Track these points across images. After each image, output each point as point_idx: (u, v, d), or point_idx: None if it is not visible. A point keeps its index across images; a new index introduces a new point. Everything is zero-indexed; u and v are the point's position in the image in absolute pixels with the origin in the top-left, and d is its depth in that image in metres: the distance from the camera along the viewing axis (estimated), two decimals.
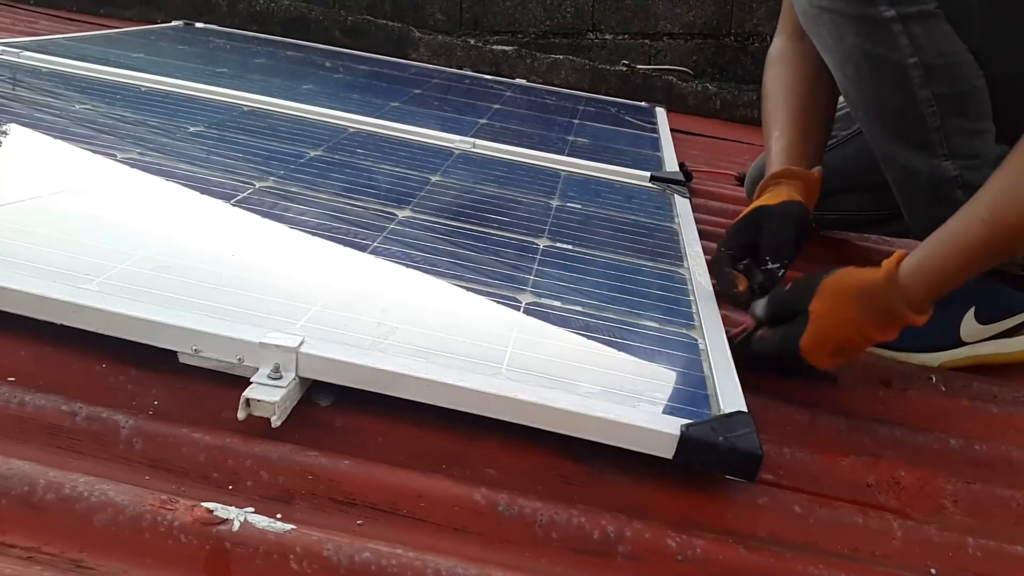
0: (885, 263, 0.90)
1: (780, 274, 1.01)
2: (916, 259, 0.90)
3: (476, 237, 1.14)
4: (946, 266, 0.89)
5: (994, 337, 1.13)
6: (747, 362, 0.92)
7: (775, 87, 1.20)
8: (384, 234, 1.08)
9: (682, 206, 1.48)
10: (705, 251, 1.26)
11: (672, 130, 2.22)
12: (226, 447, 0.69)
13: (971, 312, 1.12)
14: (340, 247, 1.03)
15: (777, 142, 1.14)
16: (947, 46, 0.95)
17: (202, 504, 0.61)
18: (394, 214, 1.17)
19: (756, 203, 1.07)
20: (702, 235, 1.35)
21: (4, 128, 1.24)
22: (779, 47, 1.24)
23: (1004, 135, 0.97)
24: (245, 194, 1.13)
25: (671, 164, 1.78)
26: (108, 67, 1.73)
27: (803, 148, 1.13)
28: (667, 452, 0.72)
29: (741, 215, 1.07)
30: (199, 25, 2.67)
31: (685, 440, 0.71)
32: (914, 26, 0.95)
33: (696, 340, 0.93)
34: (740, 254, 1.04)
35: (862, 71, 1.02)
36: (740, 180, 1.82)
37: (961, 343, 1.13)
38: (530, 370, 0.80)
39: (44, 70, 1.65)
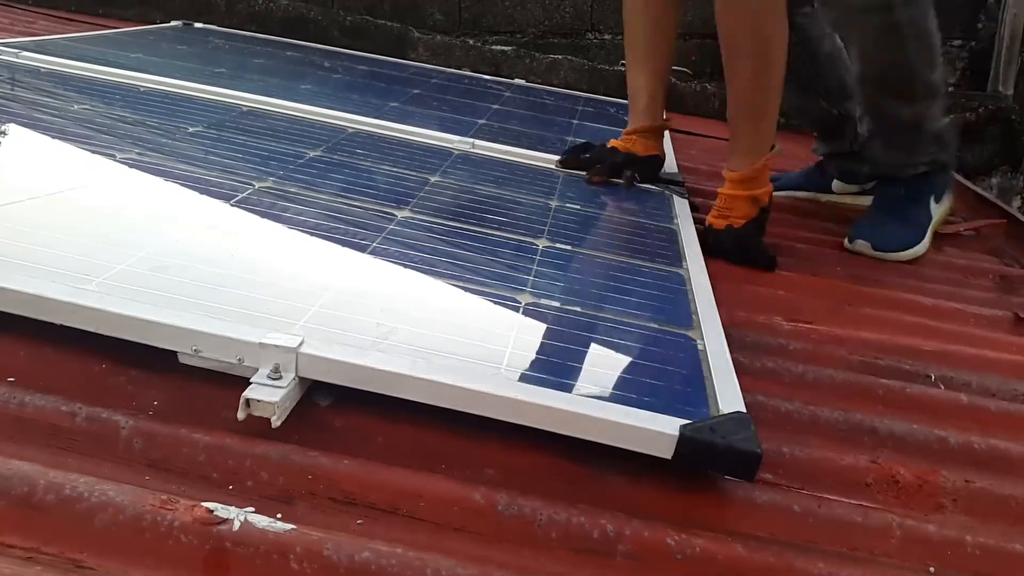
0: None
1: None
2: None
3: (475, 237, 1.14)
4: (746, 133, 1.38)
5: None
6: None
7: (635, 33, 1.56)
8: (383, 234, 1.08)
9: (681, 206, 1.48)
10: None
11: (672, 130, 2.22)
12: (226, 447, 0.69)
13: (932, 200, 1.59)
14: (339, 247, 1.03)
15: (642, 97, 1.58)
16: None
17: (202, 504, 0.61)
18: (393, 214, 1.17)
19: (631, 149, 1.58)
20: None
21: (3, 128, 1.24)
22: None
23: None
24: (244, 194, 1.13)
25: (670, 164, 1.78)
26: (107, 67, 1.73)
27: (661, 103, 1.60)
28: (666, 452, 0.72)
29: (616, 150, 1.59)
30: (198, 25, 2.67)
31: (684, 440, 0.71)
32: None
33: (695, 341, 0.93)
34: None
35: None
36: None
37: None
38: (529, 370, 0.80)
39: (43, 70, 1.65)
